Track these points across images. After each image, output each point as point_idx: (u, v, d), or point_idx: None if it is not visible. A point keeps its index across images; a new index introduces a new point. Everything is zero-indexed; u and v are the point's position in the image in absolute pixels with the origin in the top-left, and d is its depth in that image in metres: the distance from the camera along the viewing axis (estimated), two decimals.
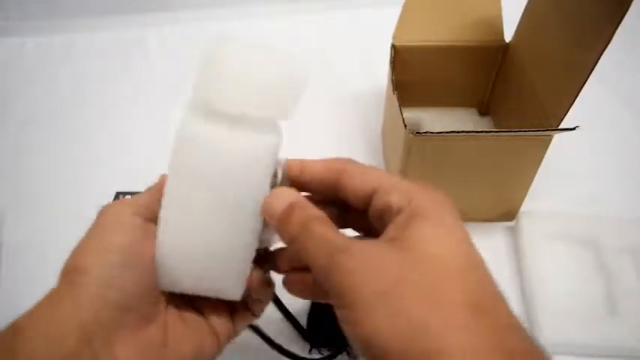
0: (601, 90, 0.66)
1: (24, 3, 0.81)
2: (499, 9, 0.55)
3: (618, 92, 0.69)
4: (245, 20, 0.82)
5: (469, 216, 0.51)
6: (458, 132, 0.42)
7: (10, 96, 0.71)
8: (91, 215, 0.28)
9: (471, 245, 0.22)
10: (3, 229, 0.52)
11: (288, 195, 0.25)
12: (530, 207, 0.51)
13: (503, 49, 0.57)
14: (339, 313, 0.21)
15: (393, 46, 0.55)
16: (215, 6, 0.84)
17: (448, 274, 0.20)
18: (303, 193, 0.27)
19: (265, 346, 0.41)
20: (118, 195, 0.53)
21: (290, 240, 0.24)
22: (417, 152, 0.45)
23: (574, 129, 0.42)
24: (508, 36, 0.56)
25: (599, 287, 0.46)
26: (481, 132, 0.46)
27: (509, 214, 0.52)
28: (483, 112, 0.64)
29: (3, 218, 0.53)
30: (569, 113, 0.43)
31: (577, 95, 0.41)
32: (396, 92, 0.47)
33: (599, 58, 0.39)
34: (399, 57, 0.55)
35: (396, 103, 0.46)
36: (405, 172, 0.47)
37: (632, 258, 0.47)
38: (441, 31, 0.56)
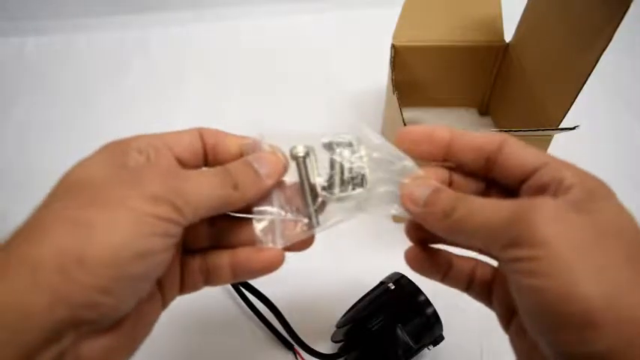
0: (601, 90, 0.66)
1: (24, 3, 0.81)
2: (499, 9, 0.55)
3: (618, 92, 0.69)
4: (245, 20, 0.83)
5: None
6: None
7: (10, 96, 0.71)
8: None
9: None
10: (3, 230, 0.52)
11: (429, 181, 0.25)
12: None
13: (503, 49, 0.57)
14: (521, 266, 0.20)
15: (393, 46, 0.55)
16: (215, 6, 0.84)
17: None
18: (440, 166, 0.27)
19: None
20: None
21: (444, 215, 0.23)
22: None
23: (574, 129, 0.42)
24: (508, 36, 0.56)
25: None
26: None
27: None
28: (483, 112, 0.64)
29: (3, 218, 0.54)
30: (569, 113, 0.43)
31: (577, 95, 0.41)
32: (396, 92, 0.47)
33: (599, 58, 0.39)
34: (399, 57, 0.55)
35: (396, 103, 0.46)
36: None
37: None
38: (441, 31, 0.56)
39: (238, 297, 0.45)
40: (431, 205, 0.24)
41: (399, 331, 0.38)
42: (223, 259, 0.28)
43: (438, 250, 0.28)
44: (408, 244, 0.43)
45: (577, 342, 0.18)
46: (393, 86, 0.49)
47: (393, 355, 0.38)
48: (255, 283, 0.45)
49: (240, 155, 0.27)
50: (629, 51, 0.71)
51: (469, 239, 0.23)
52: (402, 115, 0.44)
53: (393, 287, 0.40)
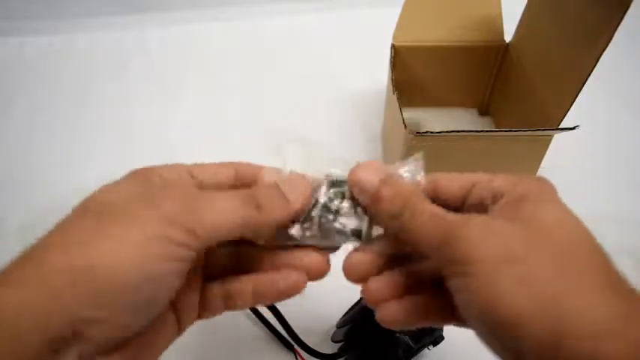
0: (601, 90, 0.66)
1: (24, 3, 0.81)
2: (499, 9, 0.55)
3: (618, 92, 0.69)
4: (245, 20, 0.83)
5: None
6: (458, 132, 0.42)
7: (10, 96, 0.71)
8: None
9: (586, 227, 0.22)
10: (3, 229, 0.52)
11: (377, 168, 0.25)
12: None
13: (503, 49, 0.57)
14: (456, 282, 0.21)
15: (393, 46, 0.55)
16: (215, 6, 0.84)
17: (577, 251, 0.20)
18: None
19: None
20: None
21: (392, 217, 0.24)
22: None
23: (574, 129, 0.42)
24: (508, 36, 0.56)
25: None
26: (481, 132, 0.46)
27: None
28: (483, 112, 0.64)
29: (3, 218, 0.54)
30: (569, 113, 0.43)
31: (577, 95, 0.41)
32: (396, 92, 0.47)
33: (599, 58, 0.39)
34: (399, 57, 0.55)
35: (396, 103, 0.46)
36: None
37: (631, 258, 0.47)
38: (441, 31, 0.56)
39: None
40: (379, 202, 0.25)
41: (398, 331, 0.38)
42: (246, 284, 0.27)
43: (410, 300, 0.26)
44: None
45: (514, 343, 0.19)
46: (393, 86, 0.49)
47: (393, 355, 0.38)
48: None
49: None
50: (629, 51, 0.71)
51: (413, 246, 0.23)
52: (402, 115, 0.44)
53: None
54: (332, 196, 0.27)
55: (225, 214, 0.23)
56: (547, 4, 0.49)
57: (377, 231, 0.26)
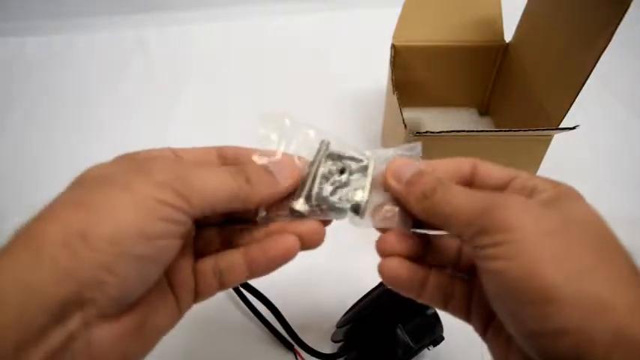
0: (601, 90, 0.66)
1: (24, 3, 0.81)
2: (499, 9, 0.55)
3: (618, 92, 0.69)
4: (245, 20, 0.83)
5: None
6: (458, 132, 0.42)
7: (10, 96, 0.71)
8: None
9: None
10: (3, 229, 0.52)
11: (415, 163, 0.26)
12: None
13: (503, 49, 0.57)
14: (491, 251, 0.21)
15: (393, 46, 0.55)
16: (215, 6, 0.84)
17: (606, 239, 0.21)
18: None
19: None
20: None
21: (424, 196, 0.24)
22: None
23: (574, 129, 0.42)
24: (508, 36, 0.56)
25: None
26: (481, 132, 0.46)
27: None
28: (483, 112, 0.64)
29: (3, 218, 0.54)
30: (569, 113, 0.43)
31: (577, 95, 0.41)
32: (396, 92, 0.47)
33: (599, 58, 0.39)
34: (399, 57, 0.55)
35: (396, 103, 0.46)
36: None
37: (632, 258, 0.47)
38: (441, 31, 0.56)
39: (238, 297, 0.45)
40: (412, 185, 0.25)
41: (399, 332, 0.38)
42: (236, 256, 0.27)
43: (415, 265, 0.27)
44: None
45: (539, 318, 0.19)
46: (393, 86, 0.49)
47: (393, 355, 0.38)
48: (254, 283, 0.45)
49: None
50: (629, 51, 0.71)
51: (443, 223, 0.24)
52: (402, 115, 0.44)
53: None
54: (331, 169, 0.28)
55: (215, 184, 0.24)
56: (547, 4, 0.49)
57: (376, 200, 0.27)
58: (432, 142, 0.44)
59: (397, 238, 0.27)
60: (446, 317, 0.39)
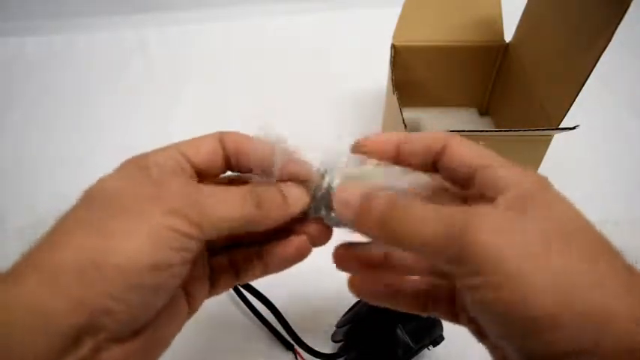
0: (601, 90, 0.66)
1: (24, 3, 0.81)
2: (499, 9, 0.55)
3: (618, 92, 0.69)
4: (245, 20, 0.83)
5: None
6: (458, 132, 0.42)
7: (10, 96, 0.71)
8: None
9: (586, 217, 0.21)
10: (2, 229, 0.52)
11: (356, 188, 0.25)
12: None
13: (503, 49, 0.57)
14: (469, 281, 0.19)
15: (393, 46, 0.55)
16: (215, 6, 0.84)
17: (592, 240, 0.20)
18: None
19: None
20: None
21: (377, 224, 0.23)
22: None
23: (574, 129, 0.42)
24: (508, 36, 0.56)
25: None
26: (481, 132, 0.46)
27: None
28: (483, 112, 0.64)
29: (3, 218, 0.54)
30: (569, 113, 0.43)
31: (577, 95, 0.41)
32: (396, 92, 0.47)
33: (599, 58, 0.39)
34: (399, 57, 0.55)
35: (396, 103, 0.46)
36: None
37: (631, 258, 0.47)
38: (441, 31, 0.56)
39: (238, 298, 0.45)
40: (365, 213, 0.23)
41: (398, 331, 0.38)
42: (251, 252, 0.28)
43: (384, 275, 0.27)
44: None
45: (543, 345, 0.18)
46: (393, 86, 0.49)
47: (393, 355, 0.38)
48: (254, 283, 0.45)
49: (265, 161, 0.27)
50: (629, 51, 0.71)
51: (413, 250, 0.22)
52: (402, 115, 0.44)
53: None
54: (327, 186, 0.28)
55: (227, 211, 0.24)
56: (547, 4, 0.49)
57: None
58: None
59: (347, 249, 0.27)
60: None
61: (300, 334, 0.43)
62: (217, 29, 0.81)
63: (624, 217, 0.52)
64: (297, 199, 0.27)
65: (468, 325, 0.26)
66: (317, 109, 0.68)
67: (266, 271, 0.28)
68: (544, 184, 0.22)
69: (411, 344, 0.38)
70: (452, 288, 0.27)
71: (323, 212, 0.27)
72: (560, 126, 0.43)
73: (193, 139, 0.27)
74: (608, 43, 0.38)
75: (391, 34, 0.55)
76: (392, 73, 0.52)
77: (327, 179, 0.27)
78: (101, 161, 0.68)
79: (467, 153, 0.24)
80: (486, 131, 0.51)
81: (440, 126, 0.61)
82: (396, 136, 0.26)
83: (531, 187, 0.21)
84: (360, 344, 0.40)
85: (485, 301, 0.19)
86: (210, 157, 0.27)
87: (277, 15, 0.83)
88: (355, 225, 0.24)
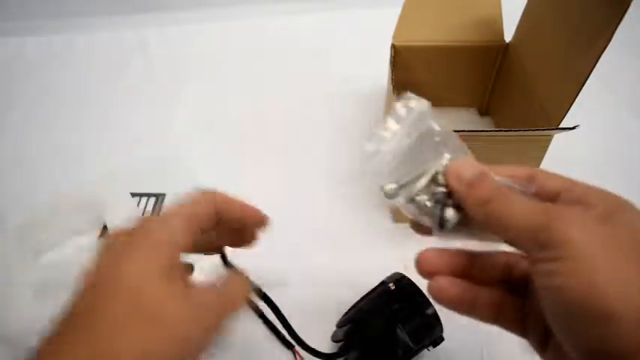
0: (601, 90, 0.66)
1: (24, 3, 0.81)
2: (499, 9, 0.55)
3: (618, 92, 0.69)
4: (245, 20, 0.83)
5: None
6: (458, 132, 0.42)
7: (10, 96, 0.71)
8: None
9: None
10: (2, 229, 0.52)
11: (477, 165, 0.26)
12: None
13: (503, 49, 0.57)
14: (549, 266, 0.21)
15: (393, 46, 0.55)
16: (215, 6, 0.84)
17: None
18: None
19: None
20: (133, 196, 0.54)
21: (482, 202, 0.24)
22: None
23: (574, 129, 0.42)
24: (508, 36, 0.56)
25: None
26: (481, 132, 0.46)
27: None
28: (483, 112, 0.64)
29: (3, 218, 0.54)
30: (569, 113, 0.43)
31: (577, 95, 0.41)
32: (396, 92, 0.47)
33: (599, 58, 0.39)
34: (399, 57, 0.55)
35: None
36: None
37: None
38: (441, 31, 0.56)
39: None
40: (472, 187, 0.25)
41: (398, 332, 0.38)
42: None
43: (463, 281, 0.27)
44: (407, 243, 0.43)
45: (597, 337, 0.19)
46: (393, 86, 0.49)
47: (393, 355, 0.38)
48: (257, 282, 0.45)
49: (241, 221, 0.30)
50: (629, 51, 0.71)
51: (502, 232, 0.24)
52: None
53: (393, 287, 0.40)
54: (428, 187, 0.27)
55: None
56: (547, 4, 0.49)
57: (453, 219, 0.26)
58: None
59: (436, 254, 0.27)
60: (447, 319, 0.40)
61: (300, 334, 0.43)
62: (217, 29, 0.81)
63: None
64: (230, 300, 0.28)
65: (533, 335, 0.26)
66: (317, 109, 0.68)
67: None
68: (627, 202, 0.24)
69: (411, 344, 0.38)
70: (521, 301, 0.27)
71: (446, 216, 0.26)
72: (560, 126, 0.43)
73: (193, 206, 0.28)
74: (608, 43, 0.38)
75: (391, 34, 0.55)
76: (392, 73, 0.52)
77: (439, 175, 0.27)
78: (101, 161, 0.69)
79: (553, 178, 0.26)
80: (486, 131, 0.51)
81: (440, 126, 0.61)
82: (478, 168, 0.26)
83: (616, 203, 0.23)
84: (360, 344, 0.40)
85: (555, 286, 0.20)
86: (208, 218, 0.28)
87: (277, 15, 0.83)
88: (462, 194, 0.25)
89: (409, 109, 0.29)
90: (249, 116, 0.67)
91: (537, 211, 0.22)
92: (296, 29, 0.81)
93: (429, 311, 0.39)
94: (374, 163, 0.28)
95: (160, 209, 0.55)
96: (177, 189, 0.56)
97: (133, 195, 0.54)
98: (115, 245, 0.25)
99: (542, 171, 0.26)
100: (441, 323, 0.39)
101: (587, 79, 0.40)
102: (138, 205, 0.54)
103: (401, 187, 0.27)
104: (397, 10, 0.54)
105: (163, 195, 0.56)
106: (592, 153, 0.61)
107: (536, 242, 0.21)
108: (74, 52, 0.79)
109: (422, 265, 0.27)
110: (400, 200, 0.27)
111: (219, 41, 0.80)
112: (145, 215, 0.35)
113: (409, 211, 0.28)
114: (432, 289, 0.27)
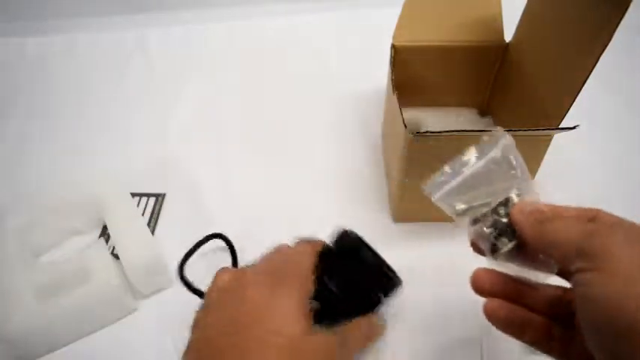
0: (601, 90, 0.66)
1: (25, 3, 0.81)
2: (499, 9, 0.55)
3: (618, 92, 0.69)
4: (245, 20, 0.83)
5: None
6: (458, 132, 0.42)
7: (11, 96, 0.71)
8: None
9: None
10: (3, 229, 0.52)
11: (543, 204, 0.28)
12: None
13: (503, 49, 0.57)
14: (587, 275, 0.22)
15: (393, 46, 0.55)
16: (215, 6, 0.84)
17: None
18: None
19: None
20: (133, 196, 0.54)
21: (537, 222, 0.27)
22: (417, 152, 0.45)
23: (574, 128, 0.42)
24: (508, 36, 0.56)
25: None
26: (481, 132, 0.46)
27: None
28: (483, 112, 0.64)
29: (3, 217, 0.54)
30: (569, 113, 0.43)
31: (577, 95, 0.41)
32: (396, 92, 0.47)
33: (599, 58, 0.39)
34: (399, 57, 0.55)
35: (396, 103, 0.46)
36: (405, 172, 0.47)
37: None
38: (441, 31, 0.56)
39: None
40: (530, 214, 0.27)
41: (326, 280, 0.36)
42: None
43: (513, 305, 0.30)
44: (406, 243, 0.43)
45: (627, 353, 0.20)
46: (393, 86, 0.49)
47: (352, 305, 0.36)
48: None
49: None
50: (629, 51, 0.71)
51: (550, 247, 0.26)
52: (402, 115, 0.44)
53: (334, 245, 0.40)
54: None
55: None
56: (547, 4, 0.49)
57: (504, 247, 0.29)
58: (432, 142, 0.44)
59: (488, 273, 0.30)
60: (447, 317, 0.39)
61: None
62: (217, 29, 0.82)
63: (624, 217, 0.52)
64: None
65: (576, 358, 0.28)
66: (317, 109, 0.68)
67: None
68: None
69: (339, 293, 0.36)
70: (569, 332, 0.29)
71: (497, 243, 0.29)
72: (560, 126, 0.43)
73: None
74: (608, 43, 0.38)
75: (391, 34, 0.55)
76: (392, 73, 0.52)
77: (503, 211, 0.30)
78: (101, 161, 0.69)
79: (611, 216, 0.27)
80: (486, 131, 0.51)
81: (440, 126, 0.61)
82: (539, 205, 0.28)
83: None
84: (328, 312, 0.35)
85: (593, 295, 0.22)
86: None
87: (277, 15, 0.83)
88: (522, 222, 0.27)
89: (494, 141, 0.31)
90: (249, 116, 0.67)
91: (582, 226, 0.24)
92: (296, 29, 0.81)
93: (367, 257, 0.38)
94: (450, 183, 0.31)
95: (159, 209, 0.55)
96: (177, 189, 0.57)
97: (133, 195, 0.54)
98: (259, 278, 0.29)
99: (603, 212, 0.27)
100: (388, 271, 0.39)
101: (587, 79, 0.40)
102: (138, 205, 0.54)
103: (469, 208, 0.30)
104: (397, 10, 0.54)
105: (163, 195, 0.56)
106: (592, 153, 0.61)
107: (578, 252, 0.23)
108: (75, 52, 0.79)
109: (475, 282, 0.30)
110: (465, 220, 0.31)
111: (220, 41, 0.80)
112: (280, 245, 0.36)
113: (470, 232, 0.31)
114: (486, 309, 0.29)
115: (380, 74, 0.60)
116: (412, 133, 0.42)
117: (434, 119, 0.63)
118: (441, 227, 0.51)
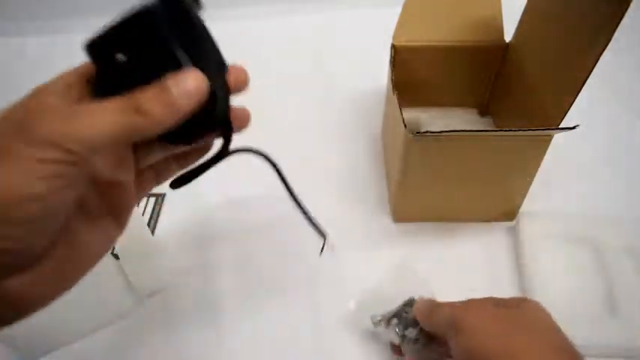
0: (601, 90, 0.66)
1: (25, 3, 0.81)
2: (499, 9, 0.55)
3: (618, 92, 0.69)
4: (245, 20, 0.83)
5: (469, 216, 0.52)
6: (458, 132, 0.42)
7: (11, 96, 0.71)
8: None
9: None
10: None
11: (432, 302, 0.39)
12: (531, 207, 0.51)
13: (503, 49, 0.57)
14: (455, 338, 0.34)
15: (393, 46, 0.55)
16: (214, 6, 0.83)
17: (543, 328, 0.33)
18: None
19: None
20: None
21: (427, 316, 0.38)
22: (417, 152, 0.45)
23: (574, 128, 0.42)
24: (508, 36, 0.56)
25: (599, 287, 0.46)
26: (481, 132, 0.46)
27: (509, 214, 0.52)
28: (483, 112, 0.64)
29: None
30: (569, 113, 0.43)
31: (577, 95, 0.41)
32: (396, 92, 0.48)
33: (599, 58, 0.39)
34: (399, 57, 0.55)
35: (396, 103, 0.46)
36: (405, 172, 0.47)
37: (631, 258, 0.47)
38: (441, 31, 0.56)
39: None
40: (423, 312, 0.39)
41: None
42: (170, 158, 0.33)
43: None
44: (407, 243, 0.43)
45: None
46: (393, 86, 0.49)
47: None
48: None
49: None
50: (629, 51, 0.71)
51: (436, 329, 0.37)
52: (402, 115, 0.44)
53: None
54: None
55: (100, 126, 0.23)
56: (547, 5, 0.49)
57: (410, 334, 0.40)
58: (432, 142, 0.44)
59: None
60: None
61: None
62: (217, 29, 0.81)
63: (624, 216, 0.52)
64: (185, 91, 0.25)
65: None
66: (317, 109, 0.68)
67: (180, 169, 0.34)
68: (528, 300, 0.36)
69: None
70: None
71: (405, 333, 0.40)
72: (560, 126, 0.43)
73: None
74: (608, 43, 0.38)
75: (391, 34, 0.55)
76: (392, 73, 0.52)
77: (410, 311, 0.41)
78: None
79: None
80: (486, 131, 0.51)
81: (440, 126, 0.61)
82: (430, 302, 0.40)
83: (518, 298, 0.37)
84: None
85: (458, 350, 0.34)
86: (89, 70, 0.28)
87: (277, 15, 0.83)
88: (419, 316, 0.39)
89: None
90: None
91: (451, 310, 0.36)
92: (296, 29, 0.81)
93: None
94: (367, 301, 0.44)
95: (159, 209, 0.55)
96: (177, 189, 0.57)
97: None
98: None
99: (469, 299, 0.37)
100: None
101: (587, 79, 0.40)
102: (138, 205, 0.54)
103: (382, 316, 0.41)
104: (397, 10, 0.54)
105: (163, 195, 0.56)
106: (592, 153, 0.61)
107: (449, 326, 0.35)
108: (75, 52, 0.79)
109: None
110: (382, 324, 0.41)
111: (219, 41, 0.80)
112: None
113: (386, 335, 0.41)
114: None
115: (380, 74, 0.60)
116: (412, 133, 0.42)
117: (434, 119, 0.63)
118: (440, 227, 0.51)
